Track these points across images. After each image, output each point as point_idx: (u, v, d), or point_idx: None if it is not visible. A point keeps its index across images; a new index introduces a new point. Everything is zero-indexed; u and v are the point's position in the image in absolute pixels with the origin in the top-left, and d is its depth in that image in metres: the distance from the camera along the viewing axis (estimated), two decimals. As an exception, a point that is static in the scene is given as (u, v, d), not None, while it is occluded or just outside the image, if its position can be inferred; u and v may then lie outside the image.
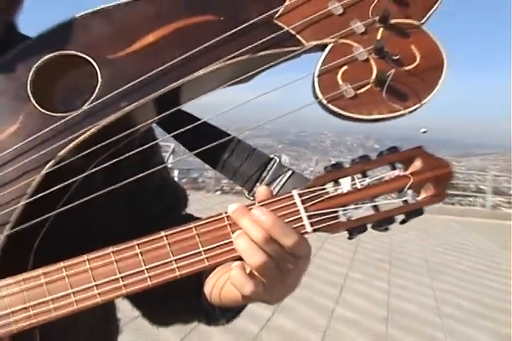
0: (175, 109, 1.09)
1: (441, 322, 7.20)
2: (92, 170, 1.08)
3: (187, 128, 1.10)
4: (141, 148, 1.11)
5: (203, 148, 1.11)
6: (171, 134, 1.14)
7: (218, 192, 17.92)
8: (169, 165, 15.84)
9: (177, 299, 1.29)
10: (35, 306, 1.03)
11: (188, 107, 1.14)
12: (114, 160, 1.08)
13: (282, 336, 6.27)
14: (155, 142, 1.27)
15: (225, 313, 1.25)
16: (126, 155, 1.08)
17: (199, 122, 1.12)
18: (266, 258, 1.00)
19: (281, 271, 1.03)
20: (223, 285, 1.11)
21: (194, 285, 1.18)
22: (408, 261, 10.47)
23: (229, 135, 1.15)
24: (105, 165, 1.08)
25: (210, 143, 1.11)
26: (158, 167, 1.20)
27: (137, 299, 1.29)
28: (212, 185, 18.29)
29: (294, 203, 1.02)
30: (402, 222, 1.05)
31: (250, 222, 1.00)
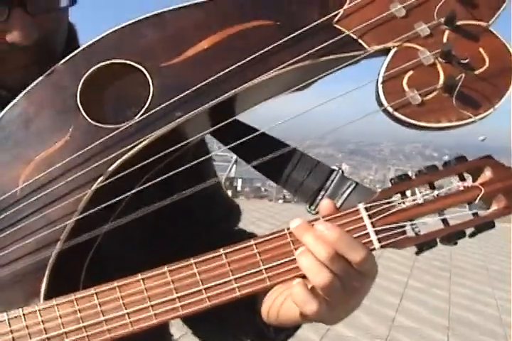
0: (230, 119, 1.05)
1: (504, 332, 7.06)
2: (145, 185, 1.05)
3: (244, 139, 1.05)
4: (195, 162, 1.07)
5: (262, 160, 1.06)
6: (228, 146, 1.10)
7: (280, 201, 18.23)
8: (232, 175, 16.20)
9: (230, 319, 1.24)
10: (88, 327, 0.99)
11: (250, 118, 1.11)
12: (167, 175, 1.04)
13: (343, 345, 6.22)
14: (209, 156, 1.23)
15: (279, 333, 1.20)
16: (181, 168, 1.04)
17: (257, 133, 1.07)
18: (332, 277, 0.95)
19: (346, 291, 0.98)
20: (282, 302, 1.06)
21: (247, 304, 1.13)
22: (468, 269, 10.32)
23: (289, 146, 1.09)
24: (157, 180, 1.04)
25: (269, 155, 1.06)
26: (211, 181, 1.15)
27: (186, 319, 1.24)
28: (274, 193, 18.59)
29: (361, 218, 0.97)
30: (472, 235, 1.00)
31: (314, 238, 0.95)
